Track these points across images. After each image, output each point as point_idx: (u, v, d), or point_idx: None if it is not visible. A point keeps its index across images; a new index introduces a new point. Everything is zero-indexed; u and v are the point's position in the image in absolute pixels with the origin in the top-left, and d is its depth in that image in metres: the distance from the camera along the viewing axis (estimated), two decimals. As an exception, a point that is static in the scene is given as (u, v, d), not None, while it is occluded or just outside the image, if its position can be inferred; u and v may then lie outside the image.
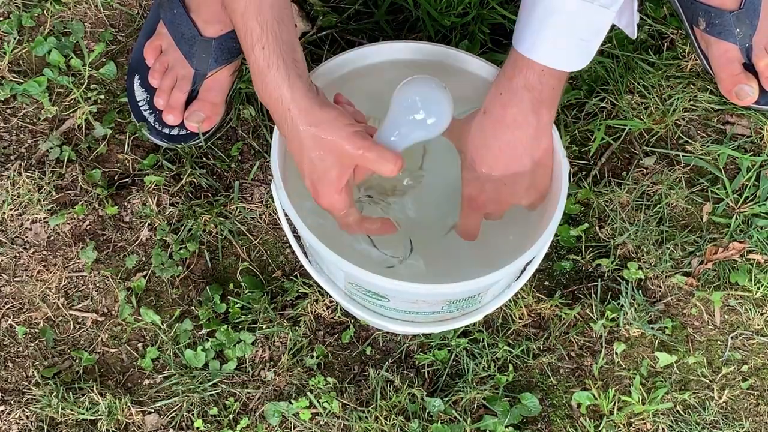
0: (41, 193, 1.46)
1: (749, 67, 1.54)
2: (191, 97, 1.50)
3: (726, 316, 1.45)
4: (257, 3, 1.12)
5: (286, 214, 1.23)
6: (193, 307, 1.42)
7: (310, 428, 1.36)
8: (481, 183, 1.24)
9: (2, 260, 1.44)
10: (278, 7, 1.13)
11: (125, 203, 1.48)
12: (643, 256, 1.47)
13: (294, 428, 1.36)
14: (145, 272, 1.44)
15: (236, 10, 1.13)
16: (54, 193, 1.47)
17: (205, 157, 1.51)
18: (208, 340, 1.40)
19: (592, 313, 1.44)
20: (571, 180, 1.51)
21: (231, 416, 1.36)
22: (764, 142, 1.54)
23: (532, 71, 1.17)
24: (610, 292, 1.45)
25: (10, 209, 1.46)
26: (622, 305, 1.43)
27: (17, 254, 1.44)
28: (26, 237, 1.45)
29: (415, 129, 1.16)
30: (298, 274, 1.44)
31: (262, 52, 1.12)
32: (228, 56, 1.50)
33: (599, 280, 1.46)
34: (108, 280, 1.43)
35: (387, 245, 1.30)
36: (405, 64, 1.33)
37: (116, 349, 1.41)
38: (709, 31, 1.53)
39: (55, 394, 1.36)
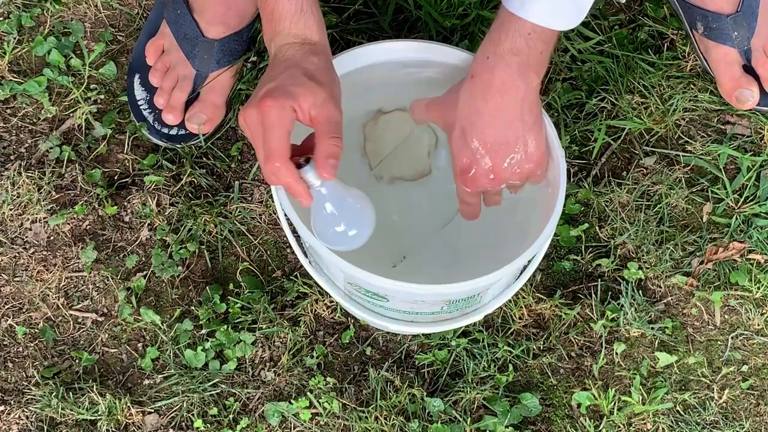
0: (41, 193, 1.46)
1: (749, 69, 1.54)
2: (192, 98, 1.50)
3: (726, 316, 1.45)
4: None
5: (285, 215, 1.23)
6: (193, 307, 1.42)
7: (310, 428, 1.36)
8: (472, 153, 1.21)
9: (2, 260, 1.44)
10: None
11: (125, 203, 1.48)
12: (643, 256, 1.47)
13: (294, 428, 1.36)
14: (145, 272, 1.44)
15: None
16: (54, 193, 1.47)
17: (205, 157, 1.51)
18: (208, 340, 1.39)
19: (592, 313, 1.44)
20: (571, 180, 1.51)
21: (231, 416, 1.36)
22: (764, 142, 1.54)
23: (519, 35, 1.15)
24: (610, 292, 1.45)
25: (10, 209, 1.46)
26: (622, 305, 1.43)
27: (17, 254, 1.44)
28: (26, 237, 1.45)
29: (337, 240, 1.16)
30: (298, 274, 1.44)
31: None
32: (230, 58, 1.50)
33: (599, 280, 1.46)
34: (108, 280, 1.43)
35: (383, 252, 1.31)
36: (404, 64, 1.33)
37: (116, 349, 1.41)
38: (707, 35, 1.53)
39: (55, 394, 1.36)
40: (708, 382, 1.41)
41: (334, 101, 1.11)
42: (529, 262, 1.28)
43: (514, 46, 1.16)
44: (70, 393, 1.36)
